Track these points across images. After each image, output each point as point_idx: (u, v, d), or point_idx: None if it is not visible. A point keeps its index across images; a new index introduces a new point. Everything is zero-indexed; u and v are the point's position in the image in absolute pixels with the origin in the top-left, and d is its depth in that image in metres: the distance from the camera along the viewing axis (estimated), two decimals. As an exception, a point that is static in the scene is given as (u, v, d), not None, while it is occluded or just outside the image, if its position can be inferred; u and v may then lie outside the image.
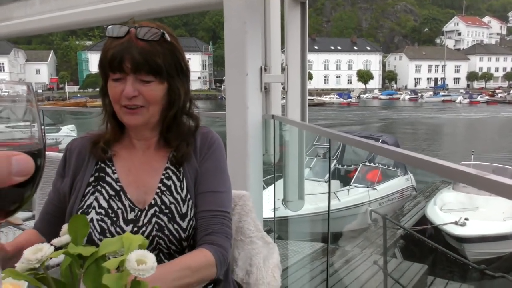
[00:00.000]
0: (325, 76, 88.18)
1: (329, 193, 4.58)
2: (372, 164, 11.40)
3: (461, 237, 8.27)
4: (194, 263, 1.06)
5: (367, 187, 10.65)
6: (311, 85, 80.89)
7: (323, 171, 9.96)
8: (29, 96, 0.45)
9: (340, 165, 11.78)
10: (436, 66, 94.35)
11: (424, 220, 9.89)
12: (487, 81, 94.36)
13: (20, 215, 2.94)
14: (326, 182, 9.55)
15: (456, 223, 8.50)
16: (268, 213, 3.04)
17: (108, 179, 1.18)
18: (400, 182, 11.92)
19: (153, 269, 0.65)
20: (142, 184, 1.17)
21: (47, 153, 2.57)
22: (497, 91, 75.56)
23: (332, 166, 11.13)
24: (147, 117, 1.13)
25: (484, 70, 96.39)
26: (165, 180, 1.18)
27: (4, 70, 68.24)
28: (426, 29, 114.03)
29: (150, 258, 0.66)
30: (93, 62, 70.77)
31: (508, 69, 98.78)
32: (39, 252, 0.67)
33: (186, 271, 1.03)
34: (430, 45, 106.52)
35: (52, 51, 79.86)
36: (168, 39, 1.11)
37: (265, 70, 2.24)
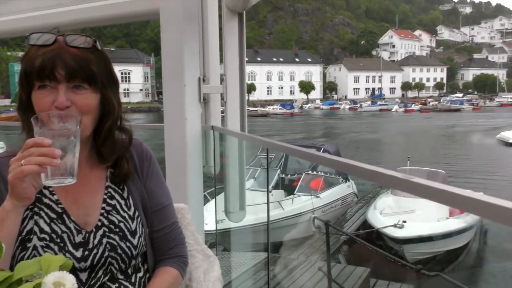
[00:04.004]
0: (268, 87, 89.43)
1: (267, 203, 4.62)
2: (314, 172, 11.64)
3: (400, 238, 8.65)
4: (165, 285, 1.16)
5: (311, 195, 10.85)
6: (255, 96, 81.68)
7: (266, 181, 10.03)
8: None
9: (284, 175, 11.93)
10: (373, 76, 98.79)
11: (365, 224, 10.23)
12: (419, 90, 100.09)
13: None
14: (270, 192, 9.62)
15: (395, 225, 8.88)
16: (213, 225, 3.01)
17: (46, 200, 1.08)
18: (342, 189, 12.25)
19: (74, 290, 0.61)
20: (82, 205, 1.10)
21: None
22: (429, 99, 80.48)
23: (276, 176, 11.26)
24: None
25: (417, 80, 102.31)
26: (108, 200, 1.13)
27: None
28: (363, 42, 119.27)
29: (69, 279, 0.61)
30: (26, 74, 67.07)
31: (438, 79, 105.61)
32: None
33: None
34: (367, 57, 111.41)
35: (-20, 62, 75.11)
36: (99, 47, 1.06)
37: (204, 80, 2.21)
